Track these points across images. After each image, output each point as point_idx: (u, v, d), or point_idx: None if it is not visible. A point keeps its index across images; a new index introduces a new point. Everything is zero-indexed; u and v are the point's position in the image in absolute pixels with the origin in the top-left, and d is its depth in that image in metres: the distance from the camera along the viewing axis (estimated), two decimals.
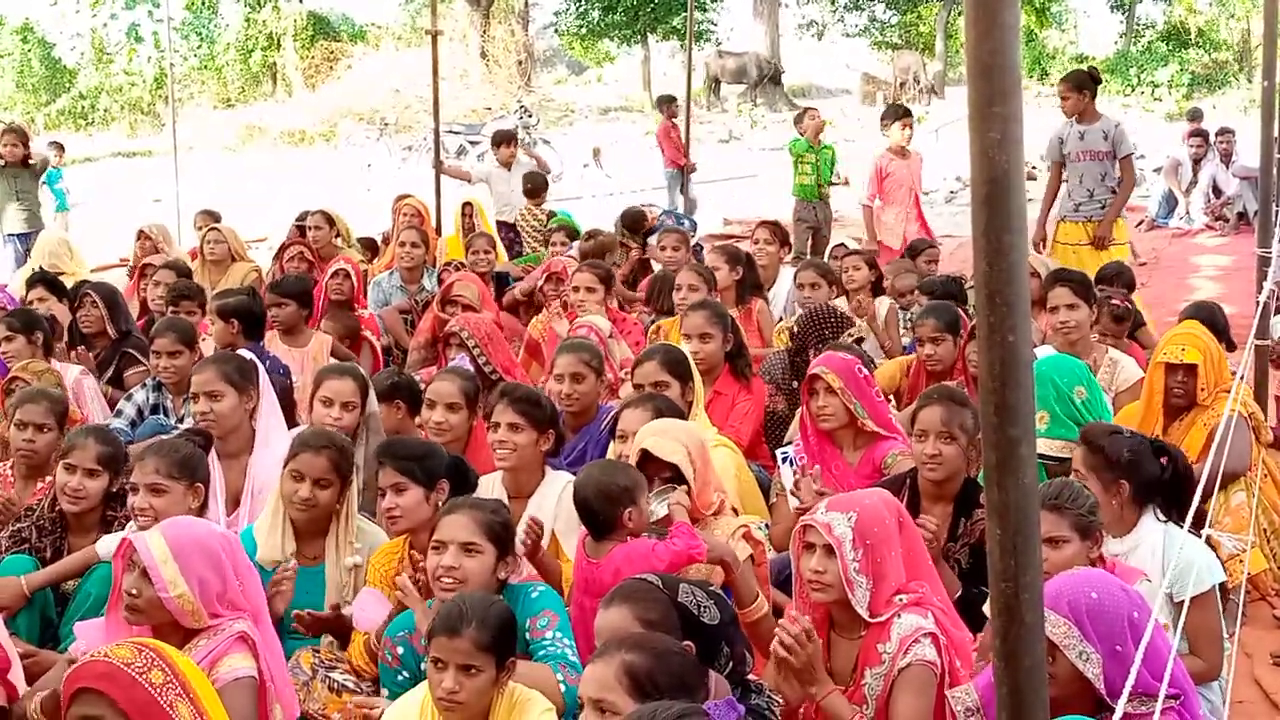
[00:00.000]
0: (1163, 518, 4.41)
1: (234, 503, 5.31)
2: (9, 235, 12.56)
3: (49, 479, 5.10)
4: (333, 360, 7.11)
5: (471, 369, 6.15)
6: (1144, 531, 4.44)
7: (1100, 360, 6.40)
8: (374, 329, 8.31)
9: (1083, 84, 9.71)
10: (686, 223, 12.44)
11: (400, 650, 4.07)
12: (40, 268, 9.60)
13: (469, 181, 13.28)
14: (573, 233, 10.34)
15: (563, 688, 3.72)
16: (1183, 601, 4.14)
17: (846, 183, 13.81)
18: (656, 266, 9.58)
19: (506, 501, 4.99)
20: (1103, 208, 9.61)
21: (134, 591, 3.69)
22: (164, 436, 5.28)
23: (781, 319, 8.45)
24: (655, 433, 4.59)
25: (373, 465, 5.44)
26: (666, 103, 18.40)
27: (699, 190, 16.67)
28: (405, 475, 4.54)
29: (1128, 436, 4.49)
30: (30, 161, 12.82)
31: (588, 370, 5.84)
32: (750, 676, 3.75)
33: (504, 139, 13.71)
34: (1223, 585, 4.51)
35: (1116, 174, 9.68)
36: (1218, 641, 4.33)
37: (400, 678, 4.04)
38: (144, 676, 3.06)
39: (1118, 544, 4.43)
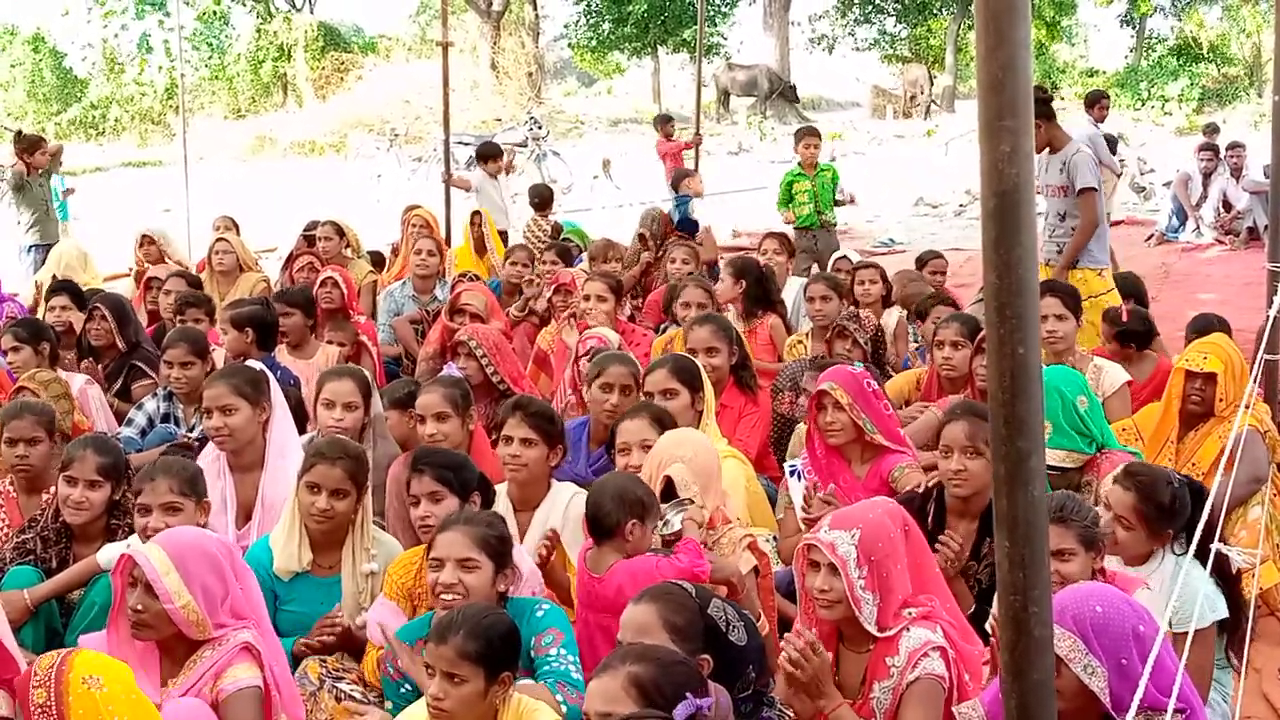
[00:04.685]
0: (1179, 551, 4.39)
1: (245, 516, 5.29)
2: (30, 246, 12.55)
3: (53, 490, 5.09)
4: None
5: (456, 375, 6.14)
6: (1158, 563, 4.43)
7: (1084, 368, 6.39)
8: (372, 335, 8.31)
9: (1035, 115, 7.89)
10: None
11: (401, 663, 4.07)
12: (54, 276, 9.62)
13: (467, 190, 13.32)
14: (564, 251, 10.27)
15: (564, 708, 3.69)
16: (1179, 633, 4.12)
17: (852, 201, 13.51)
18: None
19: (513, 513, 5.00)
20: (1059, 251, 8.01)
21: (139, 608, 3.68)
22: (164, 455, 5.25)
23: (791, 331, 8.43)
24: (676, 461, 4.57)
25: (380, 470, 5.46)
26: (664, 121, 18.77)
27: (706, 202, 16.67)
28: (443, 485, 4.55)
29: (1178, 486, 4.43)
30: (47, 168, 12.85)
31: (634, 384, 5.85)
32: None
33: (488, 154, 13.74)
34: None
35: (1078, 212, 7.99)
36: (1205, 679, 4.31)
37: (403, 690, 4.02)
38: (33, 692, 3.01)
39: (1130, 572, 4.41)
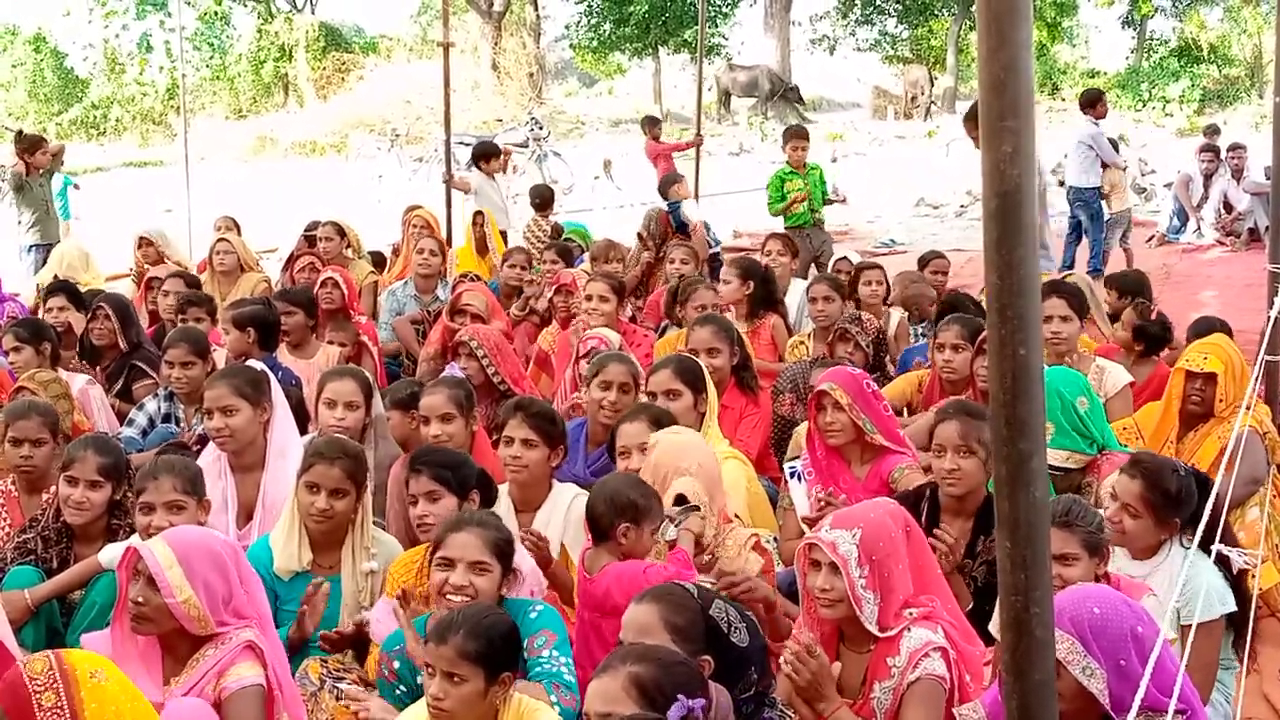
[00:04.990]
0: (1187, 544, 4.39)
1: (246, 516, 5.29)
2: (30, 246, 12.55)
3: (54, 489, 5.08)
4: None
5: (460, 376, 6.15)
6: (1165, 557, 4.43)
7: (1087, 369, 6.40)
8: (372, 336, 8.32)
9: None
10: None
11: (396, 664, 4.06)
12: (55, 276, 9.62)
13: (467, 191, 13.32)
14: (565, 251, 10.28)
15: (556, 709, 3.69)
16: (1188, 625, 4.13)
17: (844, 200, 13.48)
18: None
19: (514, 514, 5.00)
20: None
21: (140, 600, 3.69)
22: (162, 453, 5.25)
23: (793, 333, 8.43)
24: (683, 475, 4.56)
25: (381, 470, 5.46)
26: (651, 124, 18.62)
27: (706, 203, 16.64)
28: (440, 484, 4.57)
29: (1184, 475, 4.44)
30: (49, 167, 12.85)
31: (634, 383, 5.86)
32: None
33: (485, 154, 13.71)
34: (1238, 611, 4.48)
35: None
36: (1211, 673, 4.31)
37: (398, 692, 4.03)
38: (38, 696, 2.98)
39: (1138, 566, 4.42)
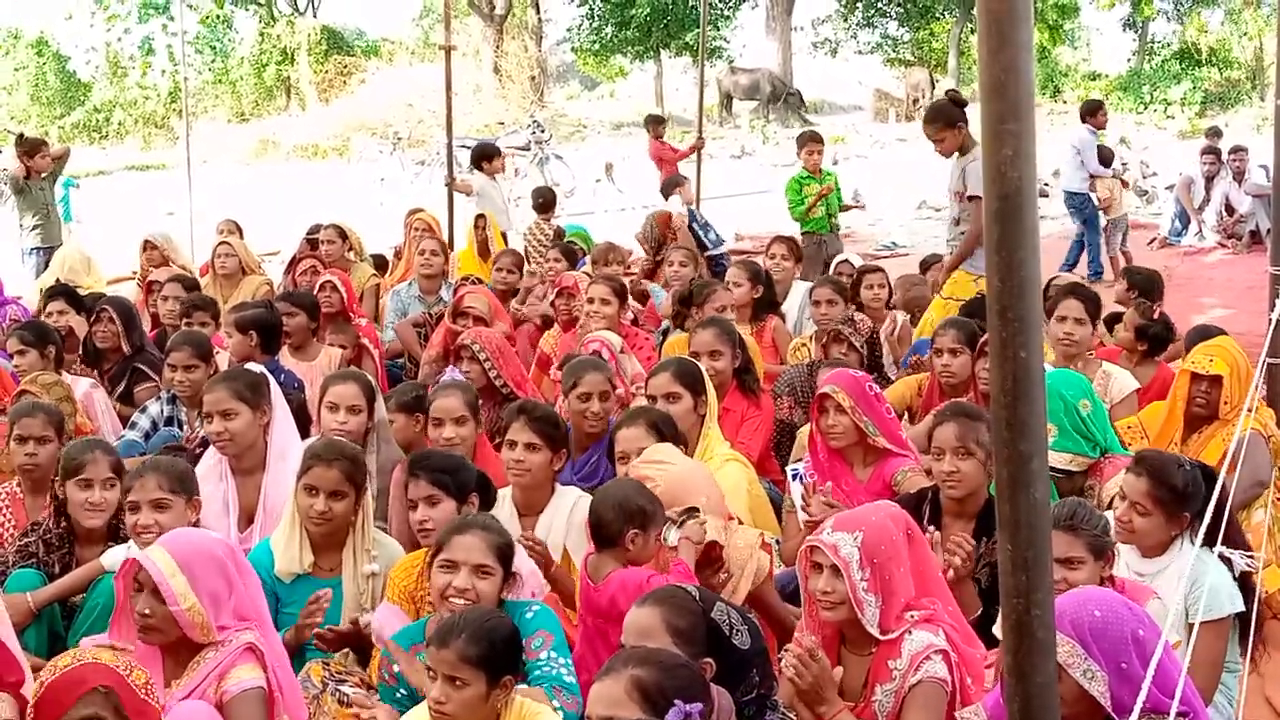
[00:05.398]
0: (1195, 541, 4.38)
1: (248, 519, 5.29)
2: (32, 249, 12.56)
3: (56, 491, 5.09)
4: None
5: (462, 380, 6.15)
6: (1176, 554, 4.42)
7: (1093, 374, 6.39)
8: (373, 338, 8.32)
9: (952, 119, 8.26)
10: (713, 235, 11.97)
11: (396, 668, 4.07)
12: (57, 280, 9.63)
13: (469, 194, 13.30)
14: (568, 250, 10.27)
15: (559, 713, 3.69)
16: (1193, 624, 4.13)
17: (863, 207, 13.39)
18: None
19: (517, 518, 5.01)
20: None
21: (147, 611, 3.68)
22: (154, 455, 5.26)
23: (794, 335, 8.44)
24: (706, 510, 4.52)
25: (384, 474, 5.46)
26: (654, 123, 18.52)
27: (710, 205, 16.62)
28: (439, 488, 4.57)
29: (1189, 469, 4.43)
30: (50, 170, 12.85)
31: (610, 388, 5.88)
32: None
33: (486, 154, 13.66)
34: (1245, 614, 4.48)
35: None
36: (1215, 671, 4.31)
37: (399, 695, 4.03)
38: (128, 675, 3.12)
39: (1148, 564, 4.42)
